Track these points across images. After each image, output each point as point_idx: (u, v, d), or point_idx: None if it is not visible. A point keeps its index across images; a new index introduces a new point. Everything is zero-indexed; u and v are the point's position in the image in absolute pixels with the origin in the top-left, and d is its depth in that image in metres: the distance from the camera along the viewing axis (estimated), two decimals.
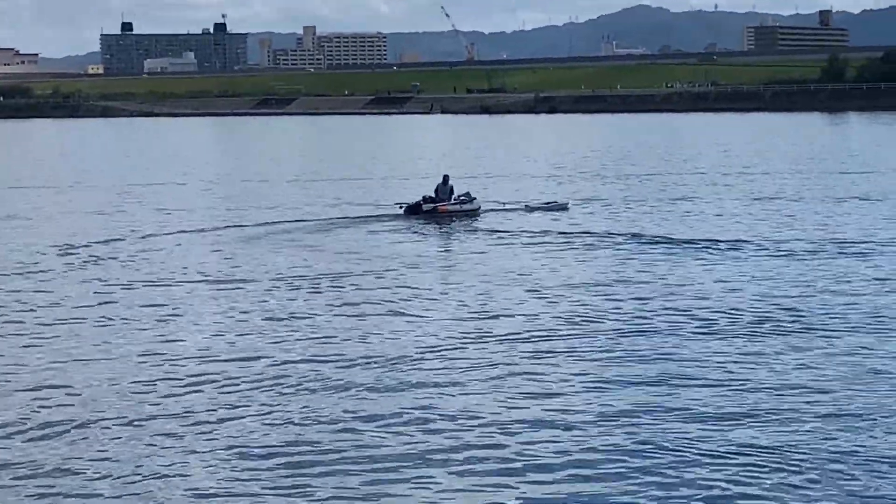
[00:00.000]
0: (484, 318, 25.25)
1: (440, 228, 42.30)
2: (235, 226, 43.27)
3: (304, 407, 18.42)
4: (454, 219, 44.39)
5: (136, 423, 17.78)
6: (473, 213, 45.82)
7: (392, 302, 27.44)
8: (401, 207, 45.56)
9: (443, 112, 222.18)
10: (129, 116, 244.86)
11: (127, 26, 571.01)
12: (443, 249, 37.60)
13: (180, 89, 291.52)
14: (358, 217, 45.62)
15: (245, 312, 26.37)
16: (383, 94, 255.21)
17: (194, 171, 78.43)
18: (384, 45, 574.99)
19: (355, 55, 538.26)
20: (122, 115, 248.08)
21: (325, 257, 35.00)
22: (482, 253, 36.01)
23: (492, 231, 41.04)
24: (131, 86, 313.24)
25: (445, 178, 47.36)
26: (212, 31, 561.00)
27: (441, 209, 45.07)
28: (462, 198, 46.32)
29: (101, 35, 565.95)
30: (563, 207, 47.94)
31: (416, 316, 25.69)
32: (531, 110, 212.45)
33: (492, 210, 46.87)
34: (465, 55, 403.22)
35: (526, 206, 48.40)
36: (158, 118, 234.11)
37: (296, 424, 17.53)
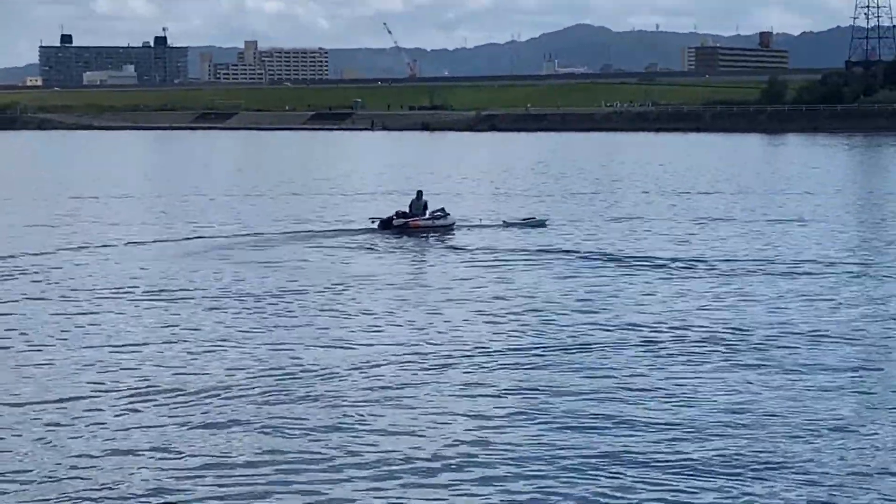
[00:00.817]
0: (432, 335, 25.23)
1: (409, 244, 42.03)
2: (188, 238, 42.87)
3: (235, 426, 18.34)
4: (425, 235, 44.11)
5: (59, 433, 17.64)
6: (447, 229, 45.44)
7: (340, 316, 27.36)
8: (373, 222, 45.20)
9: (384, 129, 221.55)
10: (68, 129, 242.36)
11: (66, 38, 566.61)
12: (403, 264, 37.51)
13: (119, 102, 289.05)
14: (325, 231, 45.28)
15: (181, 328, 26.22)
16: (325, 110, 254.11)
17: (133, 184, 77.77)
18: (325, 61, 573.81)
19: (296, 70, 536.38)
20: (60, 128, 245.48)
21: (282, 272, 34.76)
22: (443, 269, 36.02)
23: (461, 248, 40.79)
24: (70, 98, 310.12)
25: (419, 193, 47.22)
26: (152, 44, 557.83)
27: (413, 224, 44.80)
28: (437, 213, 46.02)
29: (41, 47, 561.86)
30: (542, 224, 47.60)
31: (362, 332, 25.64)
32: (472, 128, 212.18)
33: (466, 226, 46.52)
34: (407, 72, 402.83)
35: (504, 222, 48.00)
36: (97, 131, 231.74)
37: (223, 443, 17.52)
